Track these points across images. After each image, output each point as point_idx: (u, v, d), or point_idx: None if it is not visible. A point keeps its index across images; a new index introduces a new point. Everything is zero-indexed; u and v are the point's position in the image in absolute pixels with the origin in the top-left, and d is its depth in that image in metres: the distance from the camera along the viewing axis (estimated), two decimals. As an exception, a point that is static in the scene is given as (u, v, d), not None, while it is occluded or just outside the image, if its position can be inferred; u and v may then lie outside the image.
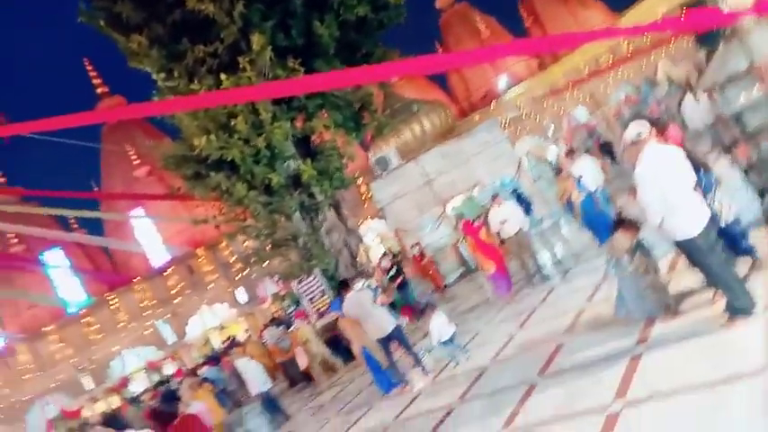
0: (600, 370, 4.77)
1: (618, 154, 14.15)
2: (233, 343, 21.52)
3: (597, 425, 3.87)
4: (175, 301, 34.09)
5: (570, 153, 11.71)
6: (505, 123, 28.71)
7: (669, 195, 4.34)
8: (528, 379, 5.41)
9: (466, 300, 11.93)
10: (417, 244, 15.77)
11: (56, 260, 36.90)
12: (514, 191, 15.30)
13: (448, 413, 5.79)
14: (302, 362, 12.73)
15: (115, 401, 28.07)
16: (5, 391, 30.08)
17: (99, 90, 44.04)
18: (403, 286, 13.74)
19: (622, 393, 4.14)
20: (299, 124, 13.95)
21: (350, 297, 8.10)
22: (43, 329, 32.51)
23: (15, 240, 35.54)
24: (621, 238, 5.08)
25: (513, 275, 10.27)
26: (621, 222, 5.23)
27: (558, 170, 14.69)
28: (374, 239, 27.41)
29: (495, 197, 10.36)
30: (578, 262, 9.53)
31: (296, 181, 14.00)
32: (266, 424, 10.42)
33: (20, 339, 31.98)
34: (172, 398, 12.53)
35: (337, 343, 12.01)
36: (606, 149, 17.75)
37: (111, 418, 14.36)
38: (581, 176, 9.45)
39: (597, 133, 21.10)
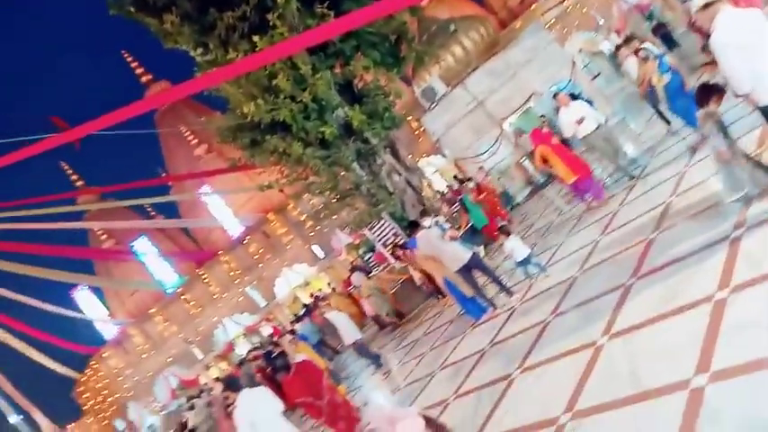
0: (698, 260, 4.54)
1: (678, 32, 12.88)
2: (319, 298, 22.43)
3: (705, 315, 3.71)
4: (260, 266, 35.76)
5: (627, 41, 10.80)
6: (550, 24, 26.88)
7: (754, 60, 3.91)
8: (621, 282, 5.25)
9: (540, 217, 11.66)
10: (480, 169, 15.44)
11: (144, 248, 39.47)
12: (572, 95, 14.50)
13: (543, 330, 5.77)
14: (369, 311, 13.33)
15: (225, 366, 30.36)
16: (129, 371, 33.25)
17: (143, 79, 45.28)
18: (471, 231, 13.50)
19: (726, 280, 3.92)
20: (338, 71, 13.74)
21: (420, 236, 8.13)
22: (149, 312, 35.29)
23: (105, 236, 38.17)
24: (715, 108, 4.70)
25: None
26: (711, 90, 4.78)
27: (617, 65, 13.67)
28: (434, 174, 27.17)
29: (556, 95, 9.58)
30: (654, 155, 8.98)
31: (348, 129, 13.95)
32: (364, 368, 10.91)
33: (130, 324, 34.91)
34: (274, 355, 13.30)
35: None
36: (662, 33, 16.22)
37: (229, 382, 15.50)
38: (659, 56, 8.67)
39: (653, 13, 19.30)
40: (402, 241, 13.56)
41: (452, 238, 8.03)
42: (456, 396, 5.91)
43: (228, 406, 11.85)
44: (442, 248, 7.82)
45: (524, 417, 4.28)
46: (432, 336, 9.52)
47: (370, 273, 14.96)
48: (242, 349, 31.61)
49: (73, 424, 32.02)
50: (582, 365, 4.32)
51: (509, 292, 7.70)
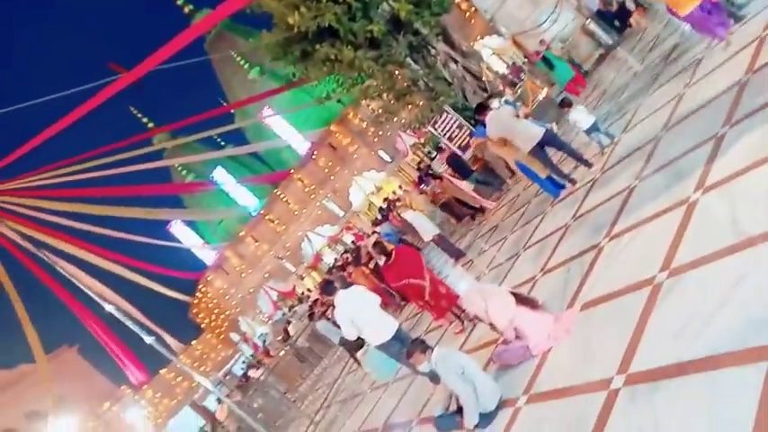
0: (803, 96, 4.10)
1: None
2: (392, 200, 22.80)
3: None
4: (331, 179, 36.65)
5: None
6: None
7: None
8: (711, 134, 4.89)
9: (612, 81, 10.87)
10: (541, 42, 14.44)
11: (223, 177, 41.39)
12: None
13: (628, 196, 5.57)
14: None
15: (317, 276, 32.32)
16: (233, 290, 36.30)
17: (186, 10, 45.03)
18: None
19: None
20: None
21: (491, 117, 7.85)
22: (239, 235, 37.69)
23: (185, 172, 40.27)
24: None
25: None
26: None
27: None
28: (492, 56, 25.74)
29: None
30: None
31: (396, 24, 13.35)
32: (447, 261, 11.19)
33: (225, 248, 37.56)
34: (360, 258, 13.90)
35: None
36: None
37: (324, 287, 16.47)
38: None
39: None
40: (465, 141, 13.27)
41: (526, 116, 7.72)
42: (543, 272, 5.97)
43: (327, 309, 12.78)
44: (514, 127, 7.54)
45: (617, 282, 4.27)
46: (510, 221, 9.50)
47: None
48: (329, 258, 33.31)
49: (195, 341, 35.95)
50: (675, 224, 4.18)
51: (587, 164, 7.43)
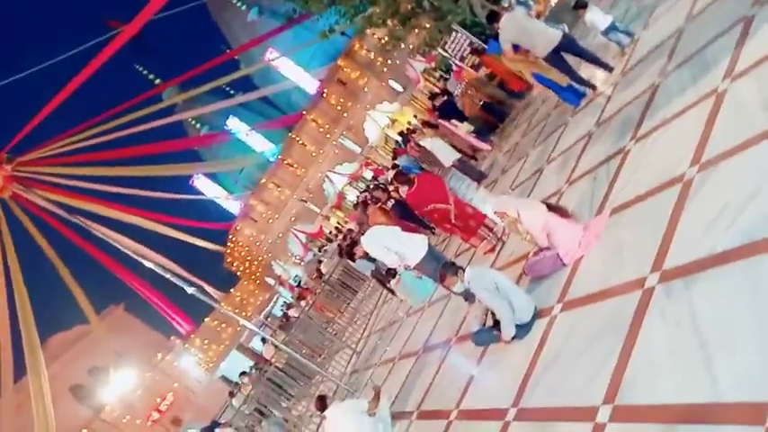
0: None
1: None
2: (407, 131, 22.46)
3: None
4: (344, 116, 36.20)
5: None
6: None
7: None
8: (739, 16, 4.60)
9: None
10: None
11: (236, 126, 41.26)
12: None
13: (652, 94, 5.37)
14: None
15: (341, 215, 32.68)
16: (263, 237, 37.08)
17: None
18: None
19: None
20: None
21: (504, 21, 7.45)
22: (261, 182, 38.01)
23: (198, 125, 40.20)
24: None
25: None
26: None
27: None
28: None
29: None
30: None
31: (393, -60, 12.64)
32: (470, 185, 11.10)
33: (249, 197, 38.05)
34: (385, 187, 13.90)
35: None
36: None
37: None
38: None
39: None
40: (477, 61, 12.75)
41: (538, 14, 7.34)
42: (569, 184, 5.90)
43: (354, 245, 12.98)
44: (530, 28, 7.17)
45: (646, 183, 4.20)
46: (531, 135, 9.31)
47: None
48: (351, 196, 33.50)
49: (233, 289, 37.27)
50: (703, 117, 4.04)
51: (608, 68, 7.14)
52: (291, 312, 19.82)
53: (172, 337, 30.55)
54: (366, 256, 10.43)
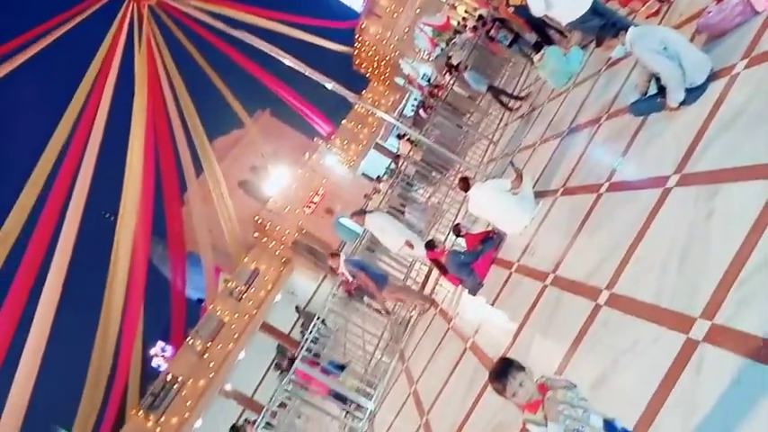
0: None
1: None
2: None
3: None
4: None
5: None
6: None
7: None
8: None
9: None
10: None
11: None
12: None
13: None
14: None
15: (468, 2, 29.99)
16: (388, 33, 35.81)
17: None
18: None
19: None
20: None
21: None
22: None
23: None
24: None
25: None
26: None
27: None
28: None
29: None
30: None
31: None
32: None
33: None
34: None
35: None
36: None
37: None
38: None
39: None
40: None
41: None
42: None
43: (490, 31, 12.09)
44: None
45: None
46: None
47: None
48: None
49: (364, 91, 37.87)
50: None
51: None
52: (423, 111, 19.89)
53: (315, 139, 32.89)
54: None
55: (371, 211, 10.48)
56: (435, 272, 8.57)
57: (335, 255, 8.61)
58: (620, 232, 3.91)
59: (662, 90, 4.08)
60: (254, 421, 11.05)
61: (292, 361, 9.05)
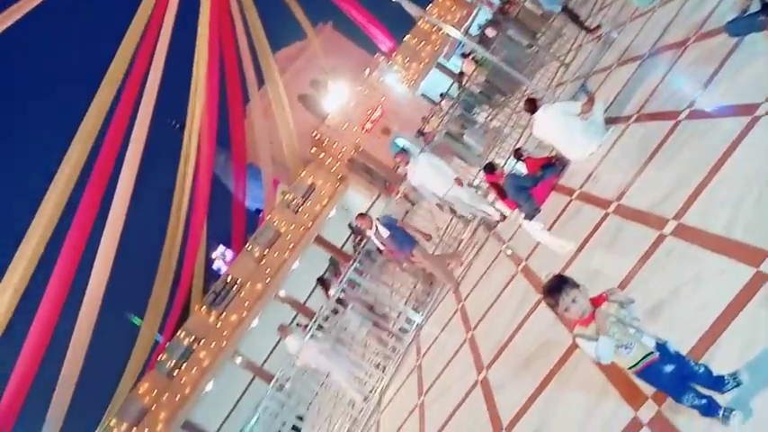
0: None
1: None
2: None
3: None
4: None
5: None
6: None
7: None
8: None
9: None
10: None
11: None
12: None
13: None
14: None
15: None
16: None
17: None
18: None
19: None
20: None
21: None
22: None
23: None
24: None
25: None
26: None
27: None
28: None
29: None
30: None
31: None
32: None
33: None
34: None
35: None
36: None
37: None
38: None
39: None
40: None
41: None
42: None
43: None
44: None
45: None
46: None
47: None
48: None
49: (430, 5, 36.09)
50: None
51: None
52: (489, 32, 18.85)
53: (376, 55, 32.00)
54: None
55: (427, 133, 10.24)
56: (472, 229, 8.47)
57: (363, 216, 8.29)
58: (696, 162, 3.72)
59: (765, 7, 3.70)
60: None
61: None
